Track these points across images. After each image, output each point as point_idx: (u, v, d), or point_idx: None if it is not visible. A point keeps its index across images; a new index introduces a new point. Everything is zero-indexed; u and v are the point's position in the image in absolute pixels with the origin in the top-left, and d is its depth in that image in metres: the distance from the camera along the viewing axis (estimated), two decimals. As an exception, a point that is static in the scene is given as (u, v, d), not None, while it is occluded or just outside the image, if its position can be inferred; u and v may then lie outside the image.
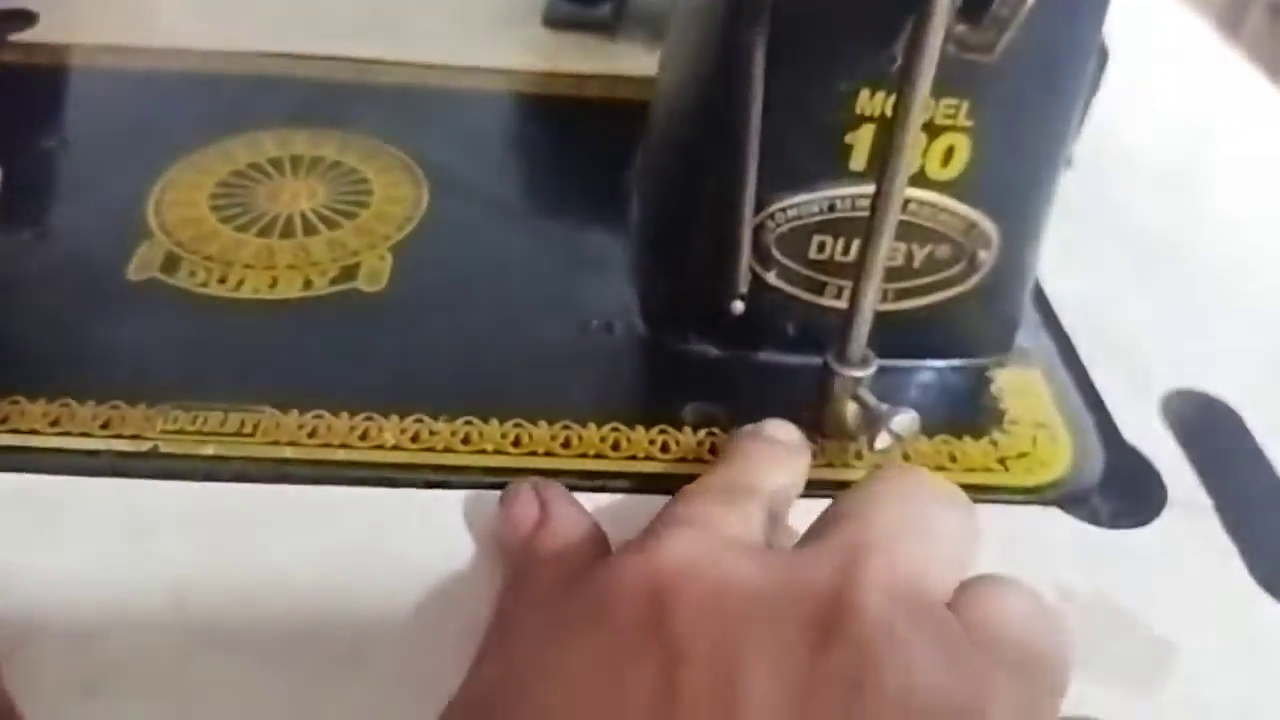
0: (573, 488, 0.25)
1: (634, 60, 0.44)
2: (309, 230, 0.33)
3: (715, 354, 0.30)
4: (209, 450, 0.26)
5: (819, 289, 0.28)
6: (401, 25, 0.45)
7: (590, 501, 0.25)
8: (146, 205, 0.33)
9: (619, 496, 0.26)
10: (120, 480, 0.25)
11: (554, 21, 0.46)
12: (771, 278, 0.28)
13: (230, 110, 0.38)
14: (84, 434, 0.26)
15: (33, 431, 0.26)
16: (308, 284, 0.31)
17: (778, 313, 0.29)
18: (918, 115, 0.23)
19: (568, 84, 0.42)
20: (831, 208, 0.27)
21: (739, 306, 0.28)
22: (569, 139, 0.40)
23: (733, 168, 0.26)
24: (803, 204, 0.27)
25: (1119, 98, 0.33)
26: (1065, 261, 0.34)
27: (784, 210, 0.27)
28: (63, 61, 0.41)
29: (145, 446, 0.26)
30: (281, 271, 0.31)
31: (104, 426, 0.26)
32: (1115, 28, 0.27)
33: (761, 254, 0.28)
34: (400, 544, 0.24)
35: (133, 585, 0.23)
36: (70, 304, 0.30)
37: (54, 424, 0.26)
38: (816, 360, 0.27)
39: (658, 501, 0.23)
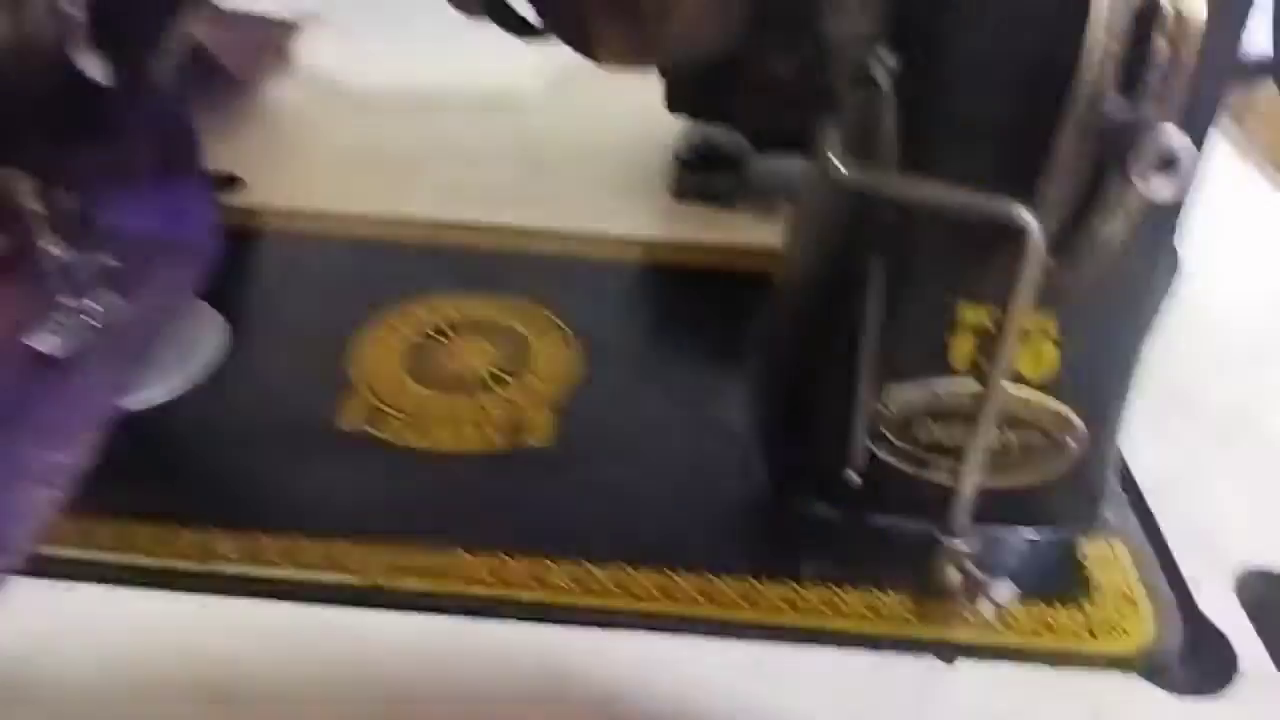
0: (713, 633, 0.29)
1: (751, 230, 0.49)
2: (485, 388, 0.39)
3: (833, 516, 0.34)
4: (415, 585, 0.31)
5: (926, 466, 0.33)
6: (545, 195, 0.51)
7: (726, 650, 0.29)
8: (347, 360, 0.39)
9: (754, 646, 0.30)
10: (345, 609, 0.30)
11: (680, 193, 0.52)
12: (883, 454, 0.33)
13: (411, 273, 0.45)
14: (314, 567, 0.31)
15: (270, 563, 0.32)
16: (486, 440, 0.37)
17: (889, 485, 0.33)
18: (1014, 331, 0.28)
19: (693, 253, 0.48)
20: (936, 398, 0.32)
21: (854, 479, 0.33)
22: (695, 305, 0.45)
23: (850, 362, 0.31)
24: (911, 394, 0.32)
25: (1200, 273, 0.36)
26: (1149, 435, 0.37)
27: (894, 398, 0.32)
28: (266, 224, 0.48)
29: (367, 582, 0.31)
30: (464, 428, 0.37)
31: (330, 563, 0.32)
32: (1197, 202, 0.31)
33: (874, 434, 0.32)
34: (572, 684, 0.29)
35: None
36: (290, 449, 0.36)
37: (287, 557, 0.32)
38: (925, 526, 0.31)
39: (786, 651, 0.27)
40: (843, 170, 0.27)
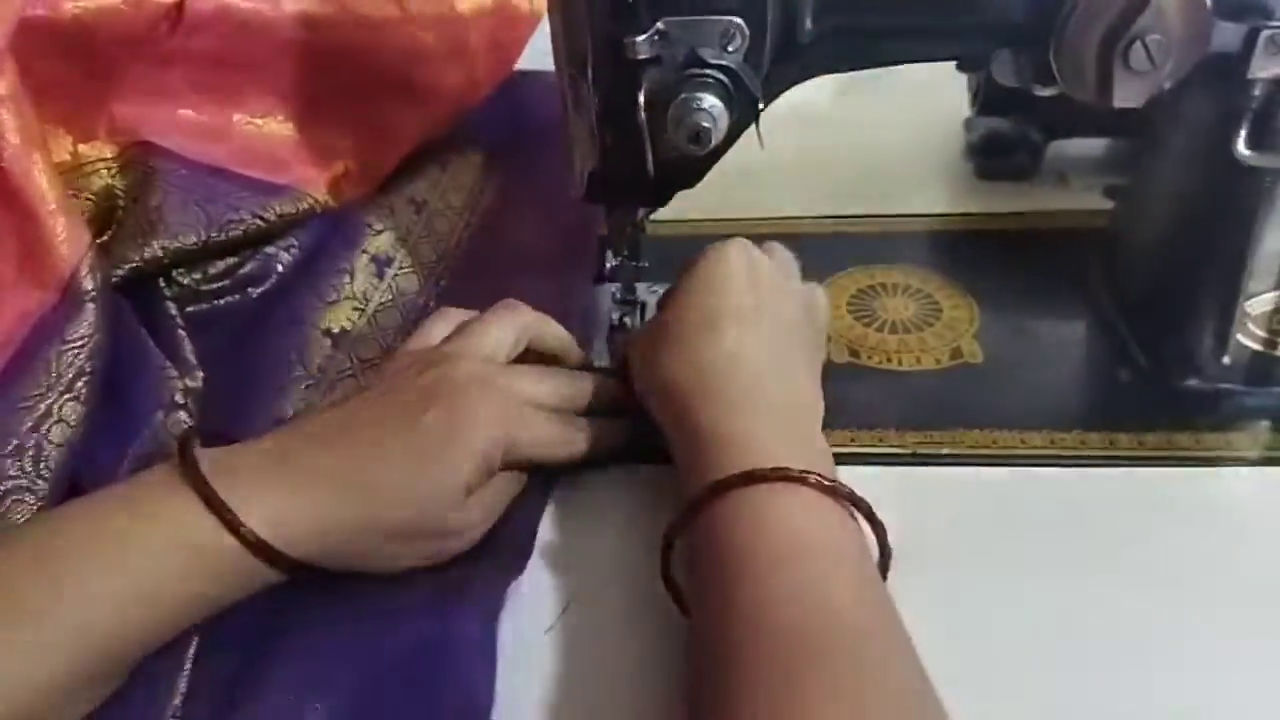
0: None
1: (1051, 200, 0.64)
2: (916, 328, 0.55)
3: (1207, 388, 0.49)
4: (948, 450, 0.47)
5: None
6: (887, 188, 0.67)
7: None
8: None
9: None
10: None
11: (986, 174, 0.67)
12: (1248, 340, 0.48)
13: (823, 255, 0.60)
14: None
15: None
16: (937, 361, 0.52)
17: (1254, 363, 0.48)
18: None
19: (1010, 220, 0.63)
20: (1286, 300, 0.47)
21: (1227, 360, 0.48)
22: (1026, 257, 0.60)
23: (1225, 273, 0.46)
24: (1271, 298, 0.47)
25: None
26: None
27: (1258, 300, 0.47)
28: (680, 231, 0.64)
29: (909, 450, 0.47)
30: (907, 354, 0.53)
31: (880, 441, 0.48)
32: None
33: (1241, 328, 0.47)
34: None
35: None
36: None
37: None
38: None
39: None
40: (1248, 155, 0.42)
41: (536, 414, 0.44)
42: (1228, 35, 0.41)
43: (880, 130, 0.73)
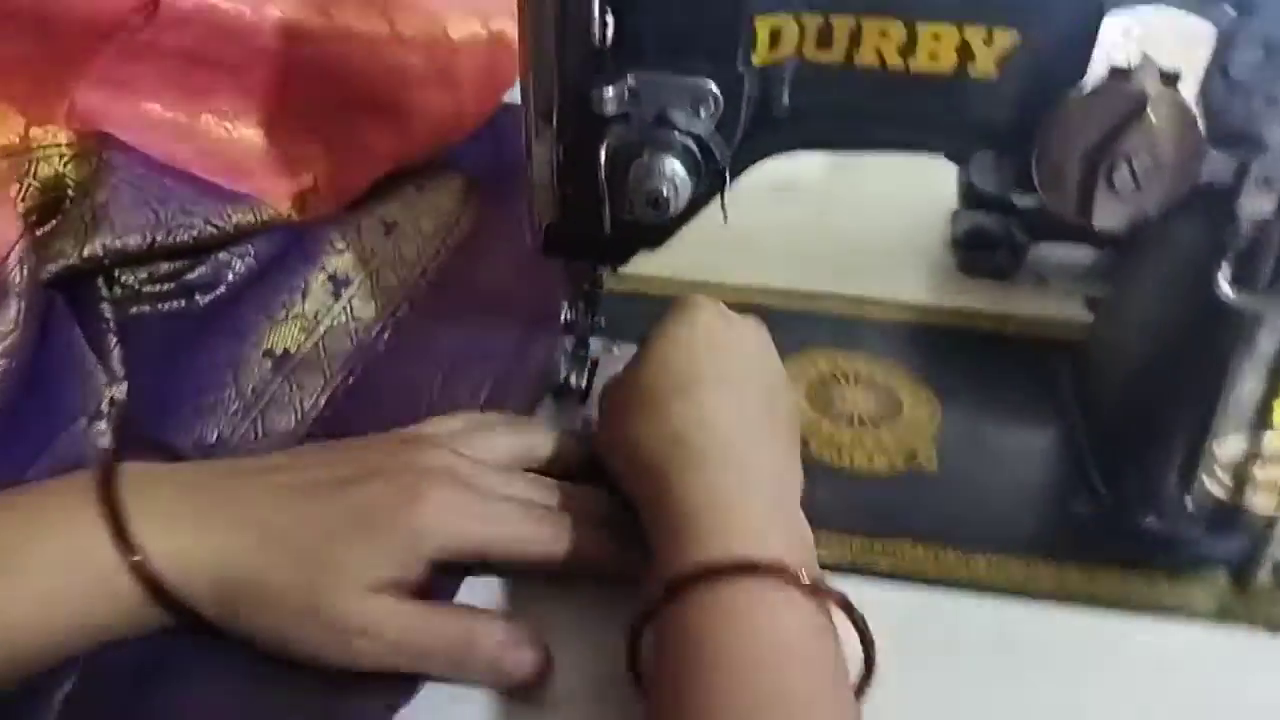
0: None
1: (1030, 303, 0.62)
2: (873, 424, 0.52)
3: (1164, 530, 0.46)
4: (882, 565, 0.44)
5: (1245, 496, 0.45)
6: (864, 269, 0.65)
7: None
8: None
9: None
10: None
11: (968, 269, 0.65)
12: (1213, 486, 0.45)
13: (787, 331, 0.58)
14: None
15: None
16: (890, 464, 0.50)
17: (1216, 510, 0.45)
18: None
19: (990, 320, 0.61)
20: (1258, 447, 0.44)
21: (1189, 504, 0.45)
22: (997, 360, 0.58)
23: (1196, 413, 0.44)
24: (1239, 442, 0.44)
25: None
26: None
27: (1226, 443, 0.44)
28: (652, 290, 0.62)
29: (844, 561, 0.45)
30: (860, 451, 0.50)
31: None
32: None
33: (1208, 470, 0.45)
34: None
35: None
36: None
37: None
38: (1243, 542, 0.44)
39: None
40: (1230, 293, 0.40)
41: (509, 509, 0.40)
42: (1219, 165, 0.39)
43: (866, 209, 0.71)
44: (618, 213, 0.42)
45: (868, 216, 0.70)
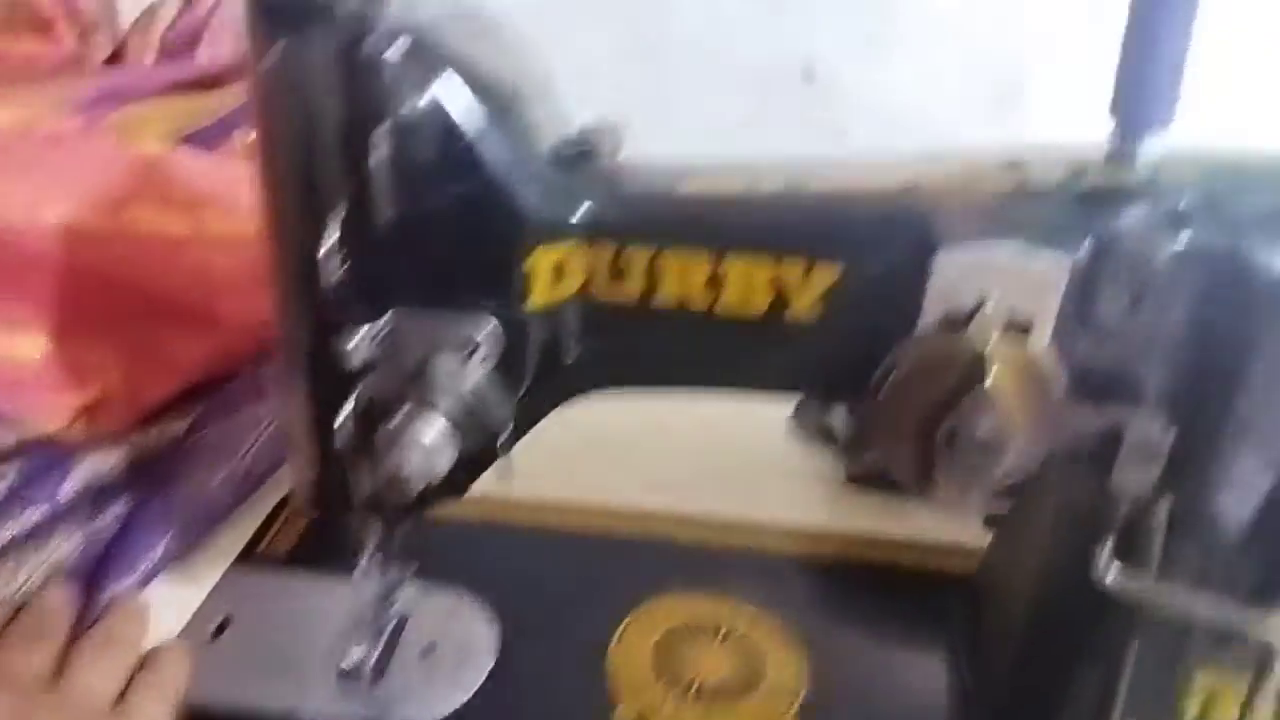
0: None
1: (920, 523, 0.54)
2: (726, 697, 0.43)
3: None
4: None
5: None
6: (738, 482, 0.57)
7: None
8: (604, 669, 0.44)
9: None
10: None
11: (854, 474, 0.58)
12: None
13: (640, 569, 0.50)
14: None
15: None
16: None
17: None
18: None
19: (885, 549, 0.53)
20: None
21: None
22: (879, 600, 0.50)
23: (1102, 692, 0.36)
24: None
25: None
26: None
27: None
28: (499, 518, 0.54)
29: None
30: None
31: None
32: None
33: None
34: None
35: None
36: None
37: None
38: None
39: None
40: (1112, 577, 0.32)
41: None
42: (1088, 424, 0.32)
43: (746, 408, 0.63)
44: (362, 489, 0.34)
45: (748, 414, 0.63)
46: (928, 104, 0.82)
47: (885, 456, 0.33)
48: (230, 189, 0.56)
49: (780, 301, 0.33)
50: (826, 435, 0.58)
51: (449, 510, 0.43)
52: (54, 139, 0.57)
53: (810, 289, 0.33)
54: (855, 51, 0.85)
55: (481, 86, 0.34)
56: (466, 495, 0.39)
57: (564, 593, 0.48)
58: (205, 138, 0.64)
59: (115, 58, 0.73)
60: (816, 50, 0.85)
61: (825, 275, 0.33)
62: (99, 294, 0.53)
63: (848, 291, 0.33)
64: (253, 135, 0.69)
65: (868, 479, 0.57)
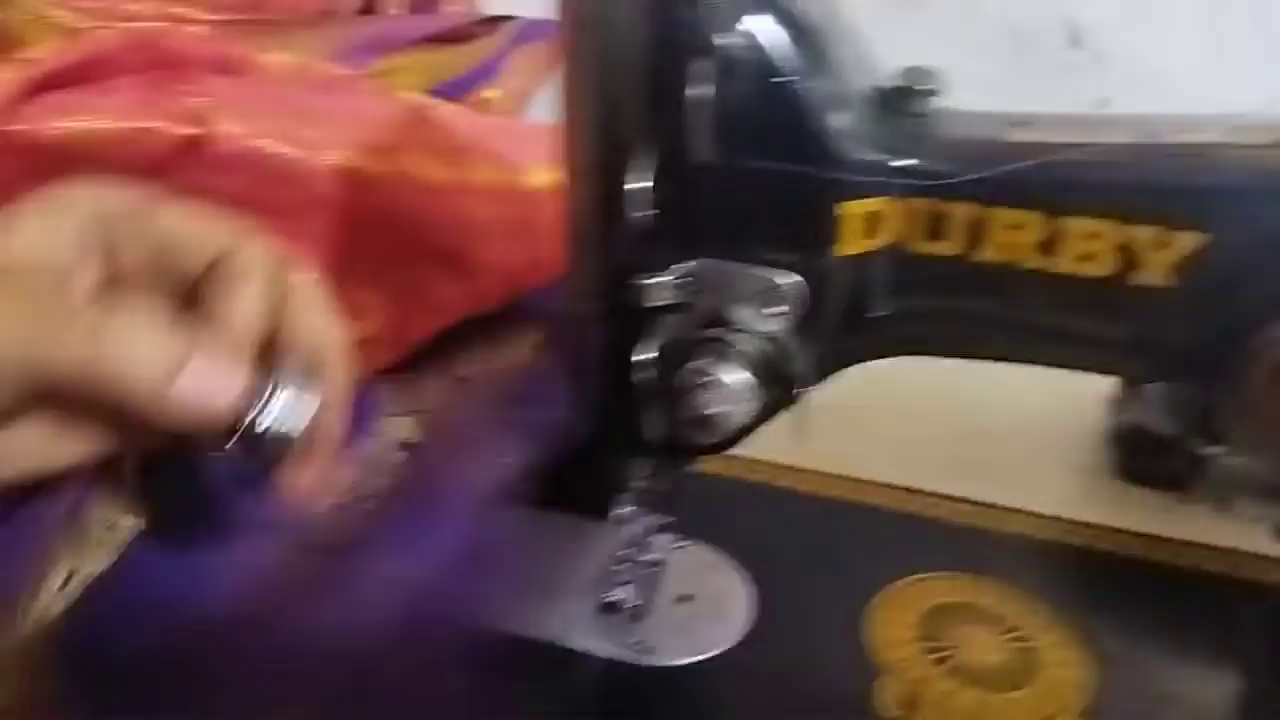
0: None
1: (1202, 527, 0.49)
2: (999, 687, 0.41)
3: None
4: None
5: None
6: (1004, 466, 0.54)
7: None
8: (863, 642, 0.42)
9: None
10: None
11: (1126, 472, 0.53)
12: None
13: (898, 546, 0.48)
14: None
15: None
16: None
17: None
18: None
19: (1169, 550, 0.48)
20: None
21: None
22: (1166, 604, 0.45)
23: None
24: None
25: None
26: None
27: None
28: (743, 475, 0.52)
29: None
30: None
31: None
32: None
33: None
34: None
35: None
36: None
37: None
38: None
39: None
40: None
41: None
42: None
43: (1011, 387, 0.59)
44: (656, 429, 0.33)
45: (1012, 396, 0.59)
46: (1200, 72, 0.75)
47: (1251, 447, 0.29)
48: (487, 140, 0.57)
49: (1128, 266, 0.30)
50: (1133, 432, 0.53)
51: (705, 465, 0.43)
52: (327, 84, 0.59)
53: (1165, 256, 0.30)
54: (1123, 18, 0.79)
55: (794, 22, 0.32)
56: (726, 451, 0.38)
57: (820, 560, 0.47)
58: (449, 91, 0.65)
59: (366, 9, 0.76)
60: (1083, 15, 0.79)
61: (1184, 242, 0.29)
62: (370, 235, 0.54)
63: (1209, 260, 0.29)
64: (497, 90, 0.72)
65: (1145, 477, 0.53)
